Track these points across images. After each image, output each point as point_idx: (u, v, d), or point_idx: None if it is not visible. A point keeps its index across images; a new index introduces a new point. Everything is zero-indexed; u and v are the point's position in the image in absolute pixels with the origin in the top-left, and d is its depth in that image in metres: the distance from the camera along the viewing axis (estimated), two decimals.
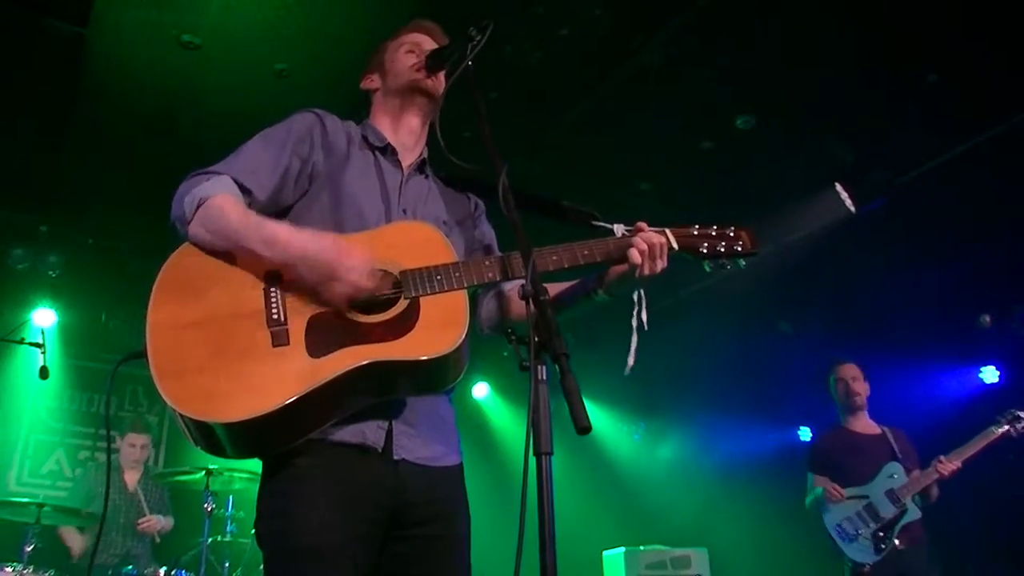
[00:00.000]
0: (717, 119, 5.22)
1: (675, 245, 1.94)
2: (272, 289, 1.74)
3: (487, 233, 2.24)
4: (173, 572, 4.80)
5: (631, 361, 1.89)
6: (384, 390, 1.75)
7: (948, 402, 5.69)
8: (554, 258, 1.87)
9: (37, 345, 4.95)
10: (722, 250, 1.97)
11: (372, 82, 2.22)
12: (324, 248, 1.70)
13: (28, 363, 7.03)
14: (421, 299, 1.75)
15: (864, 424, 4.91)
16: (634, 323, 1.90)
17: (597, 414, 8.26)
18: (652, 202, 5.96)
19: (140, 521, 5.62)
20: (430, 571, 1.80)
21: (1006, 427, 4.50)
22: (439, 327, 1.72)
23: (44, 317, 6.87)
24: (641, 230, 1.91)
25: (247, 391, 1.61)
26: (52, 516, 4.97)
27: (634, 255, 1.86)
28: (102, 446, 7.60)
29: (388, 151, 2.09)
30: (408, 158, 2.12)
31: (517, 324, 2.05)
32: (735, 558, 6.56)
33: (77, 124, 5.35)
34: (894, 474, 4.59)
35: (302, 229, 1.77)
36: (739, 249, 1.98)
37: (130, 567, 5.00)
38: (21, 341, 5.26)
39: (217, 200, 1.78)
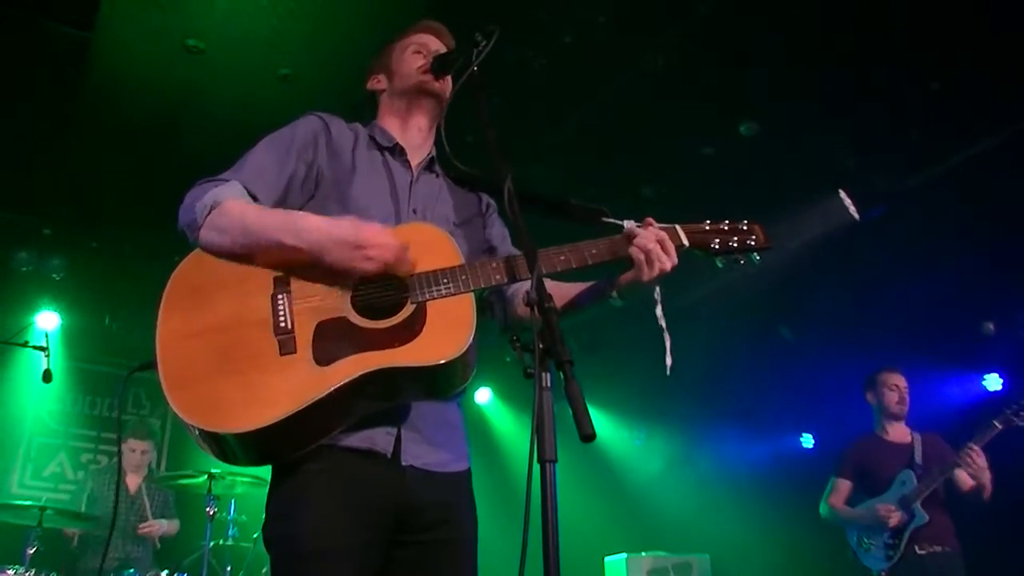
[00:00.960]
0: (719, 125, 5.22)
1: (685, 242, 1.87)
2: (279, 296, 1.74)
3: (497, 232, 2.20)
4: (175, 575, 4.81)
5: (669, 361, 1.79)
6: (392, 396, 1.75)
7: (951, 409, 5.67)
8: (562, 258, 1.82)
9: (41, 348, 4.94)
10: (735, 245, 1.89)
11: (378, 83, 2.20)
12: (348, 224, 1.72)
13: (31, 366, 7.04)
14: (427, 303, 1.73)
15: (900, 432, 4.86)
16: (662, 323, 1.82)
17: (599, 420, 8.23)
18: (654, 208, 5.91)
19: (141, 526, 5.63)
20: (436, 575, 1.80)
21: (1010, 415, 4.40)
22: (446, 331, 1.70)
23: (47, 320, 6.87)
24: (648, 226, 1.85)
25: (255, 401, 1.62)
26: (54, 519, 4.97)
27: (635, 253, 1.80)
28: (104, 449, 7.60)
29: (397, 151, 2.08)
30: (417, 157, 2.10)
31: (521, 324, 2.04)
32: (737, 564, 6.55)
33: (82, 127, 5.36)
34: (905, 481, 4.59)
35: (321, 216, 1.78)
36: (752, 243, 1.90)
37: (131, 570, 5.00)
38: (25, 344, 5.26)
39: (230, 203, 1.79)
